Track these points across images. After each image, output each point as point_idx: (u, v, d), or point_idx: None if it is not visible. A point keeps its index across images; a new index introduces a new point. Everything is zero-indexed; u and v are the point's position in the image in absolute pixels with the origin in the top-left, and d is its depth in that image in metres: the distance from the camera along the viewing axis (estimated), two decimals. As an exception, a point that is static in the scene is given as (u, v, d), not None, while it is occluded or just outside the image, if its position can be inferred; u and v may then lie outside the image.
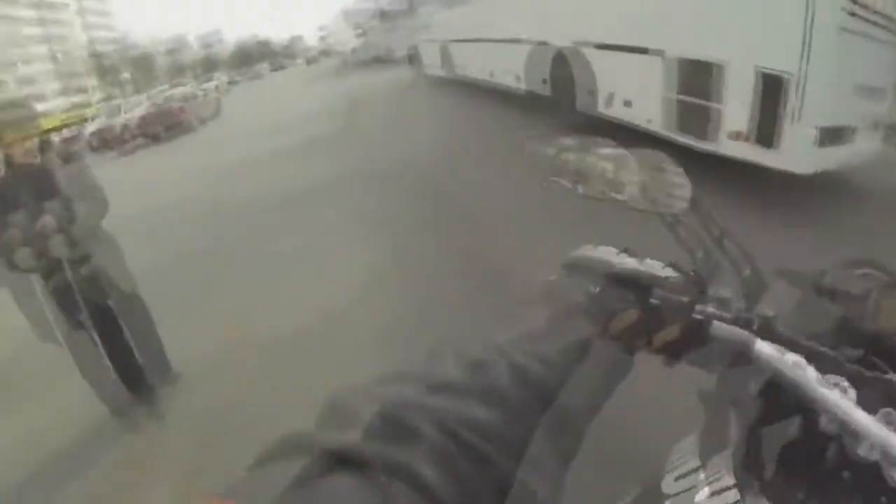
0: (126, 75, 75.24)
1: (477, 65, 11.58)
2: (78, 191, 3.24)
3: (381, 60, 25.80)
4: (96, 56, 73.31)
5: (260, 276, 5.47)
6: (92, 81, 72.96)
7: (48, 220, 3.01)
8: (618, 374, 0.62)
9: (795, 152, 3.97)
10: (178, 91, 25.56)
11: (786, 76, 3.85)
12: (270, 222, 7.11)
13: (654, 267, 0.67)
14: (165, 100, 22.70)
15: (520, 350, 0.51)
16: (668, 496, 0.75)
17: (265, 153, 11.64)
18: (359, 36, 30.62)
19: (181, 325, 4.21)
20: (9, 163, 3.11)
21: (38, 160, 3.19)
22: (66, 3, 76.95)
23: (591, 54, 6.62)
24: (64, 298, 3.21)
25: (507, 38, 9.14)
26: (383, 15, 25.80)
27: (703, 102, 4.65)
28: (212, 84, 36.85)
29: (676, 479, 0.75)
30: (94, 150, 20.45)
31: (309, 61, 69.96)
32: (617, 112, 6.21)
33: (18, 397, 4.25)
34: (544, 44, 7.86)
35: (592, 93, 6.70)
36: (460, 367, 0.48)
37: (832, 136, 3.96)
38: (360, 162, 9.13)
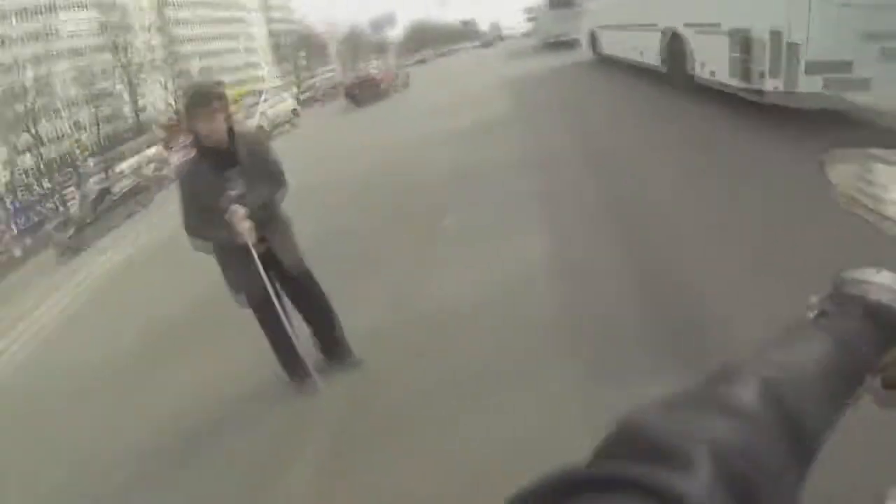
0: (302, 60, 79.51)
1: (619, 46, 13.65)
2: (262, 172, 3.48)
3: (550, 44, 27.94)
4: (275, 44, 78.53)
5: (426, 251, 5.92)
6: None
7: (237, 212, 3.28)
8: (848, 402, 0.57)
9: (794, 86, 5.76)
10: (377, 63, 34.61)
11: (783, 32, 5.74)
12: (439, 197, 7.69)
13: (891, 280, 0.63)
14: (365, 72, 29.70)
15: (796, 384, 0.49)
16: None
17: (444, 124, 13.19)
18: (530, 20, 34.58)
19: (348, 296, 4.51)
20: (199, 144, 3.33)
21: (226, 143, 3.32)
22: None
23: (688, 33, 8.72)
24: (250, 271, 3.45)
25: (642, 24, 10.99)
26: (551, 3, 27.56)
27: (745, 56, 6.63)
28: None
29: None
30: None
31: (484, 45, 71.59)
32: (705, 75, 8.19)
33: (192, 351, 5.32)
34: (667, 28, 9.61)
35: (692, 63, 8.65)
36: (754, 393, 0.46)
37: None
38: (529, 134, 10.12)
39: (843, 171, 0.78)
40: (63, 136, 49.92)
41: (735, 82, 6.98)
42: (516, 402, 3.13)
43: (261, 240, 3.47)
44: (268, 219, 3.53)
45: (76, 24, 56.35)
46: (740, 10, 6.64)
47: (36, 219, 31.00)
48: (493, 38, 78.67)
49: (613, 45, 14.37)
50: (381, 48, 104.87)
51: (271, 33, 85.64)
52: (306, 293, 3.87)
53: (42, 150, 47.04)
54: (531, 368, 3.41)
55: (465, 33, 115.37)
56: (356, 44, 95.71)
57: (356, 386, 3.79)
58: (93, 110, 52.15)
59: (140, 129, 52.47)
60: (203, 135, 3.26)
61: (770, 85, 6.12)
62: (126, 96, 55.15)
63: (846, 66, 5.29)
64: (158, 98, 58.05)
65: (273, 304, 3.58)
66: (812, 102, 5.72)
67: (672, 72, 9.71)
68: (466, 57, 49.90)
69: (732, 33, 6.87)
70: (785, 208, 4.42)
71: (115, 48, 54.21)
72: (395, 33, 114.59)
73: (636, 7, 11.29)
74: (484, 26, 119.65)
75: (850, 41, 5.18)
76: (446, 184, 8.26)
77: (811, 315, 0.63)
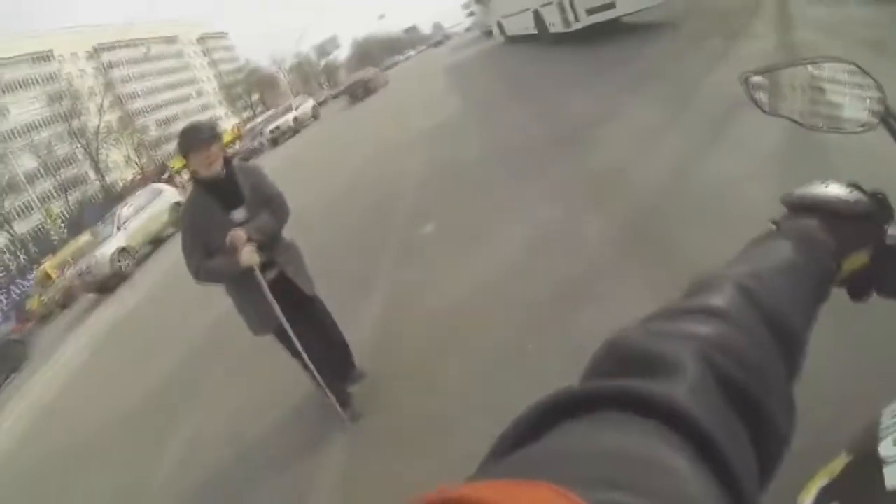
0: (255, 97, 79.71)
1: (513, 27, 20.35)
2: (262, 200, 3.45)
3: (488, 33, 31.00)
4: (225, 87, 78.79)
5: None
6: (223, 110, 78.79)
7: (237, 233, 3.22)
8: (823, 296, 0.58)
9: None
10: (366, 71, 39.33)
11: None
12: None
13: (838, 189, 0.66)
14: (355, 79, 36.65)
15: (766, 285, 0.50)
16: (887, 460, 0.65)
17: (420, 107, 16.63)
18: (469, 15, 39.82)
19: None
20: (198, 179, 3.30)
21: (223, 174, 3.29)
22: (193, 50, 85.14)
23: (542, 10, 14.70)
24: (261, 299, 3.38)
25: (522, 10, 17.07)
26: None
27: (563, 14, 12.73)
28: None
29: None
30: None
31: (436, 44, 76.31)
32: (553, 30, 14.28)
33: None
34: (533, 9, 15.51)
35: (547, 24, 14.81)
36: (727, 296, 0.47)
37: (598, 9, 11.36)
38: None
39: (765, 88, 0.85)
40: (31, 209, 49.86)
41: (562, 28, 13.26)
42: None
43: (270, 266, 3.43)
44: (273, 243, 3.49)
45: (24, 103, 56.43)
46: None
47: (17, 293, 30.83)
48: (441, 38, 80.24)
49: (510, 27, 21.00)
50: (329, 71, 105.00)
51: (220, 74, 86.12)
52: (321, 318, 3.83)
53: (13, 225, 47.04)
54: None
55: (409, 41, 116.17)
56: (305, 72, 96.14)
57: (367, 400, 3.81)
58: (56, 180, 52.09)
59: (108, 189, 52.42)
60: (201, 168, 3.21)
61: (573, 26, 12.50)
62: (88, 162, 55.04)
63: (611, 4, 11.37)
64: (120, 157, 58.11)
65: (287, 332, 3.49)
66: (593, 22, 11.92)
67: (539, 32, 15.96)
68: (412, 63, 55.04)
69: (557, 4, 12.99)
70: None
71: (67, 115, 54.16)
72: (342, 54, 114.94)
73: (517, 1, 17.23)
74: (426, 29, 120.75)
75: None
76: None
77: (772, 227, 0.66)
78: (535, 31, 16.41)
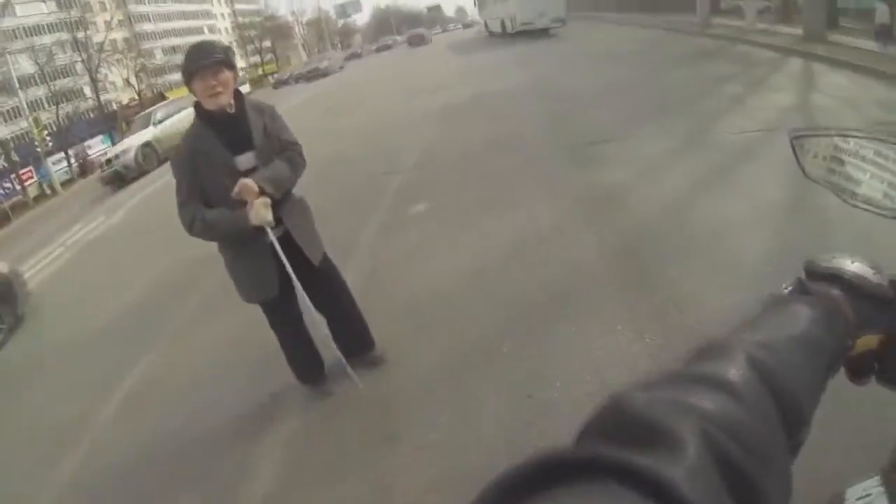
0: (267, 44, 78.69)
1: (491, 24, 35.66)
2: (275, 144, 3.08)
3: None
4: (239, 27, 77.73)
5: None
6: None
7: (247, 184, 2.86)
8: (834, 372, 0.59)
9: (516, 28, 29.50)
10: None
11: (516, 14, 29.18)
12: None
13: (865, 267, 0.66)
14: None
15: (779, 359, 0.49)
16: None
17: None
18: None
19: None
20: (201, 110, 2.93)
21: (233, 108, 2.93)
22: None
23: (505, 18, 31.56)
24: (267, 262, 3.07)
25: (497, 17, 33.28)
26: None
27: (511, 21, 30.30)
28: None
29: None
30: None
31: (465, 26, 78.39)
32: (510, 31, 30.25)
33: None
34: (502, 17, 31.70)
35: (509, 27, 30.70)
36: (737, 368, 0.46)
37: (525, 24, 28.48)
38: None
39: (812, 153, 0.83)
40: (19, 115, 48.90)
41: (511, 30, 29.55)
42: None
43: (276, 224, 3.02)
44: (283, 198, 3.10)
45: (31, 3, 55.24)
46: (509, 10, 29.53)
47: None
48: (470, 21, 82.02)
49: (491, 24, 36.00)
50: (346, 33, 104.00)
51: (236, 13, 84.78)
52: (330, 285, 3.44)
53: (-2, 128, 46.21)
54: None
55: (430, 19, 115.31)
56: (321, 29, 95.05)
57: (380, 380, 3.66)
58: (50, 90, 51.10)
59: (101, 108, 51.55)
60: (206, 98, 2.82)
61: (515, 29, 28.98)
62: (85, 77, 54.05)
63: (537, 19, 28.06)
64: (119, 78, 57.32)
65: (292, 300, 3.23)
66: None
67: (503, 30, 31.46)
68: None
69: (509, 19, 29.77)
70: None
71: (74, 25, 53.06)
72: (362, 19, 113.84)
73: (495, 11, 33.28)
74: (450, 12, 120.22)
75: (533, 13, 27.85)
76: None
77: (785, 292, 0.65)
78: (500, 30, 32.02)
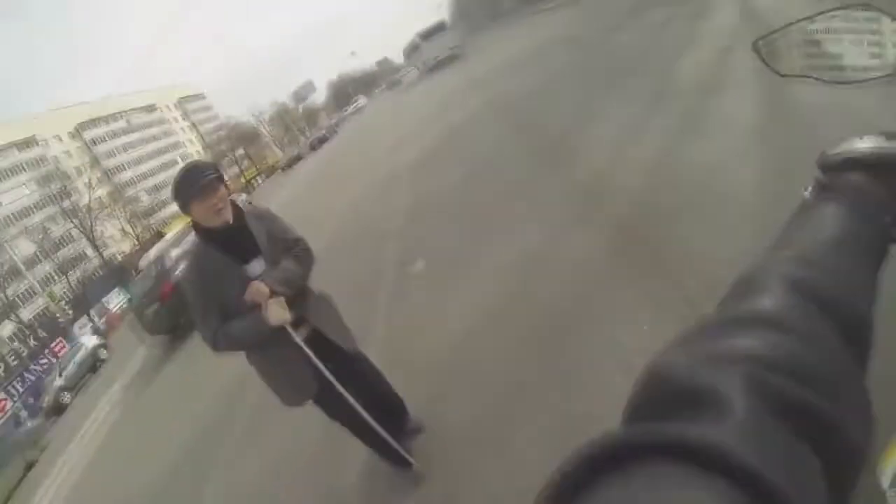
0: (240, 152, 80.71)
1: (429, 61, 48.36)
2: (280, 246, 2.99)
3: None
4: (209, 146, 79.95)
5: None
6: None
7: (257, 286, 2.74)
8: (883, 257, 0.54)
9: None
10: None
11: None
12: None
13: (877, 140, 0.61)
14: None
15: (820, 269, 0.47)
16: None
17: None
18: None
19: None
20: (202, 230, 2.81)
21: (233, 221, 2.79)
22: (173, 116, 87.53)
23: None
24: (296, 361, 2.93)
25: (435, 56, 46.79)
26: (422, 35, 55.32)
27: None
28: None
29: None
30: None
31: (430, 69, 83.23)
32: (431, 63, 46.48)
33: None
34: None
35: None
36: (776, 296, 0.44)
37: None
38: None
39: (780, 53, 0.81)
40: (34, 294, 50.49)
41: (428, 67, 44.93)
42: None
43: (300, 323, 2.92)
44: (303, 296, 3.00)
45: (14, 190, 57.47)
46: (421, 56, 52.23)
47: (32, 378, 31.20)
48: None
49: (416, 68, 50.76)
50: (309, 116, 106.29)
51: (201, 135, 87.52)
52: (366, 376, 3.32)
53: (19, 313, 47.70)
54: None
55: (382, 73, 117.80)
56: (285, 121, 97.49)
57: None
58: (54, 262, 52.77)
59: (107, 263, 53.10)
60: (208, 216, 2.71)
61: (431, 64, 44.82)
62: (83, 240, 55.76)
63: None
64: (115, 230, 59.06)
65: (335, 394, 2.99)
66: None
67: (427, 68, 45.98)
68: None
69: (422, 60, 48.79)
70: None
71: (58, 196, 55.01)
72: (319, 97, 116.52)
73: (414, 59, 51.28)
74: (399, 59, 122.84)
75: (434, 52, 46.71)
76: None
77: (808, 195, 0.62)
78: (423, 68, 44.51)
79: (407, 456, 3.21)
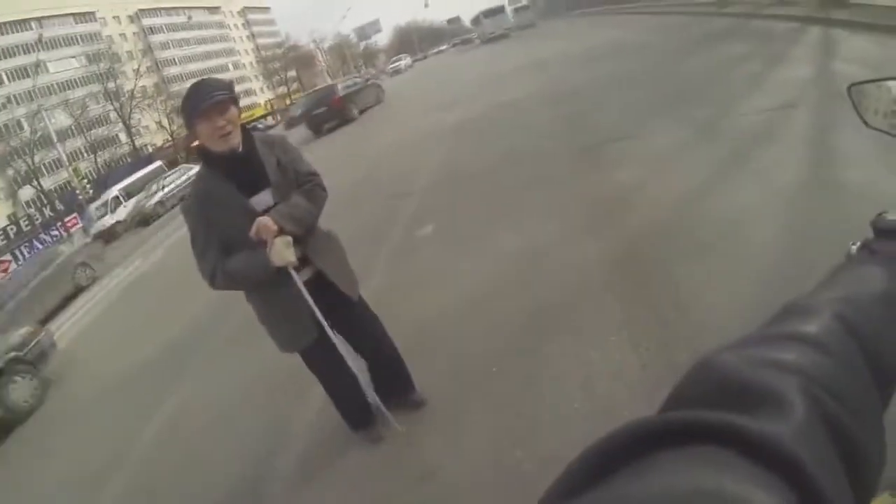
0: (292, 73, 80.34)
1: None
2: (292, 178, 2.80)
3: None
4: (263, 61, 79.70)
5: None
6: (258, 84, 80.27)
7: (265, 222, 2.56)
8: None
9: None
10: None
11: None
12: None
13: None
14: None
15: (863, 314, 0.47)
16: None
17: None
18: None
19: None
20: (208, 154, 2.62)
21: (242, 147, 2.63)
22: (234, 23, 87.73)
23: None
24: (297, 306, 2.77)
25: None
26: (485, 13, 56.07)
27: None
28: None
29: None
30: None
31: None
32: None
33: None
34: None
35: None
36: (824, 324, 0.45)
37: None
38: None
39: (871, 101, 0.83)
40: (59, 166, 50.83)
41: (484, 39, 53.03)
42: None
43: (303, 263, 2.77)
44: (308, 235, 2.82)
45: (63, 60, 57.69)
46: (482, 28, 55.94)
47: (40, 246, 31.45)
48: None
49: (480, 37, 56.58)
50: (368, 56, 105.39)
51: (258, 48, 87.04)
52: (365, 324, 3.16)
53: (41, 181, 48.13)
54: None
55: (452, 31, 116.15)
56: (343, 54, 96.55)
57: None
58: (87, 140, 53.05)
59: (136, 152, 53.31)
60: (213, 139, 2.53)
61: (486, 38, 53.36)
62: (119, 124, 55.99)
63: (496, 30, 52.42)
64: (151, 122, 59.39)
65: (331, 343, 2.88)
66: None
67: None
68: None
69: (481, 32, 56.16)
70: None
71: (104, 76, 55.16)
72: (382, 39, 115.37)
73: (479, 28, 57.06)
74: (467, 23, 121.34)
75: (491, 28, 52.92)
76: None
77: (853, 251, 0.64)
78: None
79: (391, 419, 3.15)
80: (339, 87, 23.91)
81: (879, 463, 0.39)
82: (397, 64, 67.33)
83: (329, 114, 22.60)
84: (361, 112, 23.87)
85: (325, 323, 2.79)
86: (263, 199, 2.65)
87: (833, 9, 11.07)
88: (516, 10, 59.92)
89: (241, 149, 2.60)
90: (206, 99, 2.41)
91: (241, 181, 2.61)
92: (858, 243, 0.64)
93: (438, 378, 3.52)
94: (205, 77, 2.63)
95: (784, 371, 0.38)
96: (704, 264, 3.70)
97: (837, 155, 4.42)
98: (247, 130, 2.67)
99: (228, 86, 2.57)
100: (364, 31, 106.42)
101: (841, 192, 3.85)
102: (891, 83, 0.78)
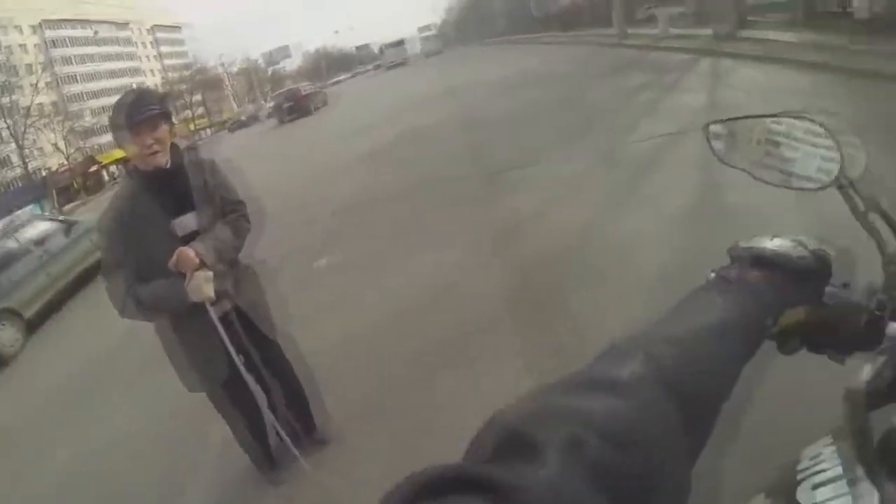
0: (197, 97, 79.61)
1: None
2: (218, 206, 2.70)
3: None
4: (169, 83, 78.42)
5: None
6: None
7: (186, 254, 2.43)
8: (751, 354, 0.60)
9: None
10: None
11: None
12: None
13: (785, 244, 0.68)
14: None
15: (682, 351, 0.51)
16: None
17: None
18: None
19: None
20: (134, 170, 2.53)
21: (171, 166, 2.54)
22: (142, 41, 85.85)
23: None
24: (210, 342, 2.61)
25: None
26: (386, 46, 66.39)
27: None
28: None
29: (814, 487, 0.64)
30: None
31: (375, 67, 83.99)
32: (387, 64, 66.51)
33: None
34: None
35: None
36: (632, 367, 0.47)
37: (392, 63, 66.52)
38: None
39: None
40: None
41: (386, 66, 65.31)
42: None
43: (220, 297, 2.61)
44: (229, 268, 2.70)
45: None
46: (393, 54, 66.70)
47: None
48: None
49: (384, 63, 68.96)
50: (276, 81, 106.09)
51: (165, 69, 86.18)
52: (278, 364, 3.06)
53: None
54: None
55: (360, 58, 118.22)
56: (251, 79, 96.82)
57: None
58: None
59: (29, 176, 52.17)
60: (140, 157, 2.41)
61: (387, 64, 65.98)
62: (12, 144, 53.84)
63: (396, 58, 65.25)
64: (47, 143, 57.58)
65: (243, 382, 2.71)
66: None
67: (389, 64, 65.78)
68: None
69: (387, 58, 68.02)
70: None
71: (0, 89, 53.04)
72: (292, 64, 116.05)
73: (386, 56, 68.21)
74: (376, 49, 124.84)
75: (391, 57, 65.34)
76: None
77: (711, 278, 0.67)
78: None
79: (301, 459, 2.89)
80: (302, 90, 36.89)
81: (680, 493, 0.43)
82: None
83: (294, 108, 34.00)
84: (316, 109, 34.36)
85: (238, 361, 2.63)
86: (187, 221, 2.55)
87: (724, 42, 12.52)
88: (424, 39, 65.35)
89: (168, 166, 2.50)
90: (137, 114, 2.33)
91: (166, 201, 2.51)
92: (713, 273, 0.67)
93: (339, 413, 3.49)
94: (140, 88, 2.35)
95: (559, 419, 0.41)
96: (600, 290, 3.85)
97: (724, 179, 4.48)
98: (176, 148, 2.58)
99: (160, 99, 2.52)
100: (272, 57, 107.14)
101: (727, 216, 4.16)
102: (744, 122, 0.81)
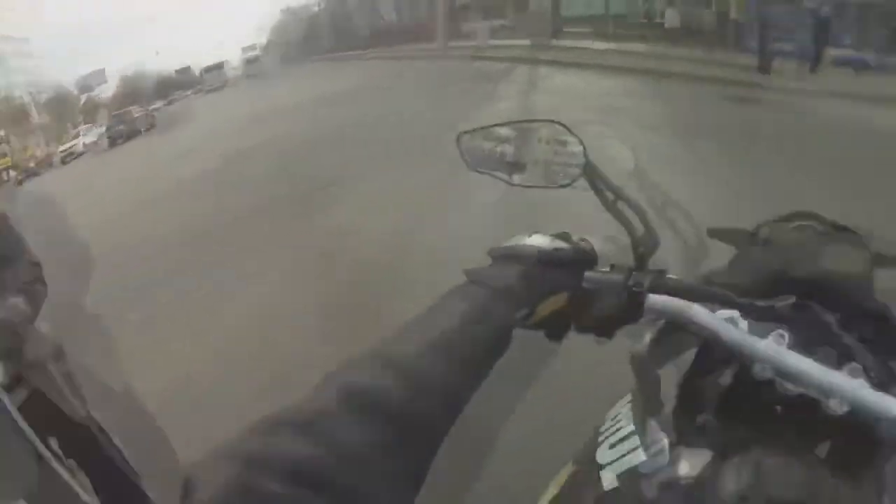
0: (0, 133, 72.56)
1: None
2: (8, 270, 2.17)
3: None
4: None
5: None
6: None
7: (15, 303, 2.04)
8: (498, 354, 0.60)
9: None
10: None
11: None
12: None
13: (541, 240, 0.71)
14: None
15: (399, 370, 0.50)
16: (603, 466, 0.68)
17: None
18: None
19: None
20: None
21: None
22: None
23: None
24: (6, 439, 1.97)
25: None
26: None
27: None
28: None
29: (611, 446, 0.69)
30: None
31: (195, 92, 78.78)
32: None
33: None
34: None
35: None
36: (322, 402, 0.46)
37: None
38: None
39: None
40: None
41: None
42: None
43: (16, 381, 2.10)
44: (23, 344, 2.14)
45: None
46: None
47: None
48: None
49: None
50: (90, 111, 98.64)
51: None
52: (98, 448, 2.40)
53: None
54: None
55: (180, 82, 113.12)
56: (61, 108, 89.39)
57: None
58: None
59: None
60: None
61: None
62: None
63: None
64: None
65: (60, 479, 2.05)
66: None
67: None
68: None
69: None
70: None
71: None
72: (107, 90, 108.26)
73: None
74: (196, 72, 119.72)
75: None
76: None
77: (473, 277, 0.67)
78: None
79: None
80: (134, 114, 35.94)
81: None
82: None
83: (123, 131, 32.75)
84: (145, 130, 32.74)
85: (49, 455, 2.03)
86: None
87: (539, 50, 13.38)
88: (247, 62, 64.05)
89: None
90: None
91: None
92: (468, 271, 0.68)
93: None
94: None
95: (231, 461, 0.40)
96: (415, 298, 3.22)
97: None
98: None
99: None
100: (86, 83, 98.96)
101: (535, 211, 3.91)
102: (492, 130, 0.84)
